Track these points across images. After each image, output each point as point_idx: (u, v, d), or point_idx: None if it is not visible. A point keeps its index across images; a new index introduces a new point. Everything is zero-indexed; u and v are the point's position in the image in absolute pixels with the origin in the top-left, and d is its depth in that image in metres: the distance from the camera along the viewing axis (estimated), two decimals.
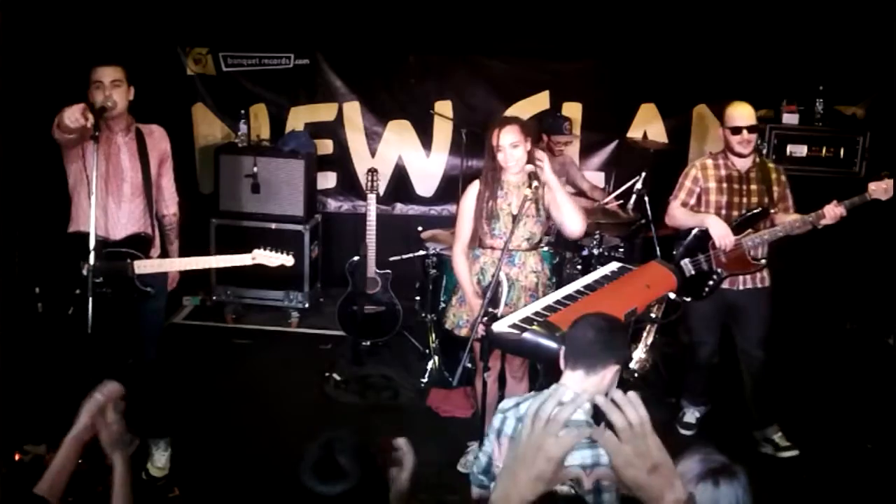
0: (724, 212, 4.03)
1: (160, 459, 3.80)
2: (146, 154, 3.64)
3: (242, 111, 5.80)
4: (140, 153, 3.62)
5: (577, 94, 5.92)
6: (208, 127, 6.05)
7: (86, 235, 3.32)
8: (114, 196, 3.57)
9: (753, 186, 4.04)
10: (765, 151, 5.28)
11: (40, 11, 4.44)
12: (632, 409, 1.32)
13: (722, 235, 3.95)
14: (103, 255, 3.40)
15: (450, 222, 5.63)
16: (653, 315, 3.38)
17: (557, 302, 3.18)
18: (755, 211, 3.99)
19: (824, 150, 5.36)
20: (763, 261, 4.05)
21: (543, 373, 4.68)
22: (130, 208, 3.61)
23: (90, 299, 3.27)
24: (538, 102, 5.90)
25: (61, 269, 3.45)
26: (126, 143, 3.61)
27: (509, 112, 5.80)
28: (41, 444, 3.60)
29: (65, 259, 3.44)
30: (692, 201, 4.10)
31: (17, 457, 3.52)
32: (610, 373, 2.47)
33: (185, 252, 3.94)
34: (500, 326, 2.97)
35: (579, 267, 4.76)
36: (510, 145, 3.55)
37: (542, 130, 5.23)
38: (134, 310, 3.62)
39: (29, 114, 4.10)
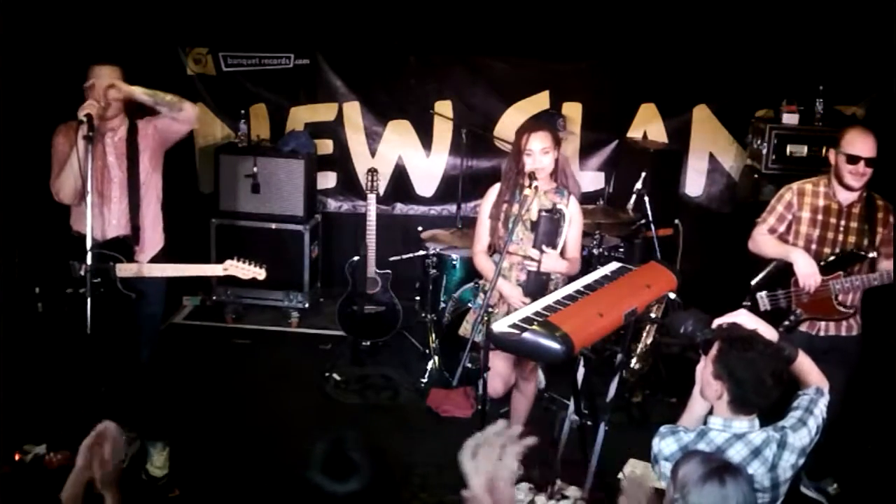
0: (814, 247, 3.57)
1: (158, 459, 3.79)
2: (136, 153, 3.60)
3: (242, 111, 5.80)
4: (129, 153, 3.59)
5: (577, 94, 5.92)
6: (208, 127, 6.04)
7: (81, 236, 3.34)
8: (105, 197, 3.57)
9: (854, 224, 3.55)
10: (764, 152, 5.28)
11: (40, 11, 4.44)
12: None
13: (807, 275, 3.49)
14: (92, 256, 3.39)
15: (450, 222, 5.65)
16: (653, 315, 3.37)
17: (557, 302, 3.18)
18: (849, 252, 3.52)
19: (824, 150, 5.26)
20: (851, 309, 3.59)
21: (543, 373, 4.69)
22: (119, 210, 3.60)
23: (88, 300, 3.27)
24: (538, 102, 5.89)
25: (59, 270, 3.45)
26: (114, 144, 3.58)
27: (509, 112, 5.82)
28: (41, 444, 3.61)
29: (64, 259, 3.44)
30: (781, 228, 3.65)
31: (17, 456, 3.53)
32: None
33: (185, 253, 3.93)
34: (500, 326, 2.97)
35: None
36: (541, 151, 3.51)
37: None
38: (129, 311, 3.61)
39: (29, 113, 4.10)
